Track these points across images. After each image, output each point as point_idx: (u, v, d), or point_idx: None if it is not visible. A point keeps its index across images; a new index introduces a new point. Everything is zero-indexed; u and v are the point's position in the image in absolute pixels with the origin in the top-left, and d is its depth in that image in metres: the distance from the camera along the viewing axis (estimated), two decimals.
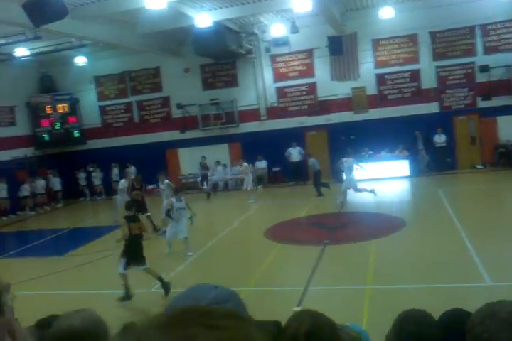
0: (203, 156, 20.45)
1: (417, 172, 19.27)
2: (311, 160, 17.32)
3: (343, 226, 12.68)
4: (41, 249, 13.79)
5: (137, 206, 10.88)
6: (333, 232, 12.05)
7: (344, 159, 15.09)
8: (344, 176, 15.44)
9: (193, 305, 0.43)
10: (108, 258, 11.04)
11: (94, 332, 1.80)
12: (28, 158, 21.53)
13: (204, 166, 20.36)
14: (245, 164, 18.16)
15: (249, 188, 17.44)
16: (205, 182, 20.03)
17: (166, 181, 14.07)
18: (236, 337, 0.46)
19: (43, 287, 9.61)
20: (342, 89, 20.35)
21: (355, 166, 15.29)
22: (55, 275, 10.47)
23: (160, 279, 8.40)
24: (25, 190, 20.05)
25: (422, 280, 8.11)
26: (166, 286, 8.23)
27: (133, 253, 8.41)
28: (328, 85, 20.36)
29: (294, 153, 20.18)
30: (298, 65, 20.90)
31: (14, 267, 11.39)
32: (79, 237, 14.59)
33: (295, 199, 17.35)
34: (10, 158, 20.39)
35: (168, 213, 11.00)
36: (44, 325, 2.95)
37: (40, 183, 20.86)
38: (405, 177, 19.00)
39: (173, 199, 11.05)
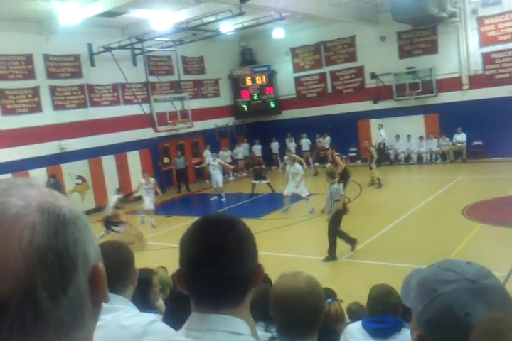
0: None
1: None
2: None
3: None
4: (239, 211, 14.89)
5: None
6: None
7: None
8: None
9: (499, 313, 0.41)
10: (300, 224, 11.49)
11: (315, 292, 1.89)
12: (229, 127, 23.32)
13: None
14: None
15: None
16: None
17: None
18: None
19: None
20: None
21: None
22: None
23: None
24: (225, 157, 21.74)
25: None
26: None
27: None
28: None
29: None
30: (511, 27, 18.65)
31: None
32: (274, 202, 15.40)
33: (500, 176, 15.79)
34: (213, 127, 22.35)
35: None
36: None
37: (240, 150, 22.43)
38: None
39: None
